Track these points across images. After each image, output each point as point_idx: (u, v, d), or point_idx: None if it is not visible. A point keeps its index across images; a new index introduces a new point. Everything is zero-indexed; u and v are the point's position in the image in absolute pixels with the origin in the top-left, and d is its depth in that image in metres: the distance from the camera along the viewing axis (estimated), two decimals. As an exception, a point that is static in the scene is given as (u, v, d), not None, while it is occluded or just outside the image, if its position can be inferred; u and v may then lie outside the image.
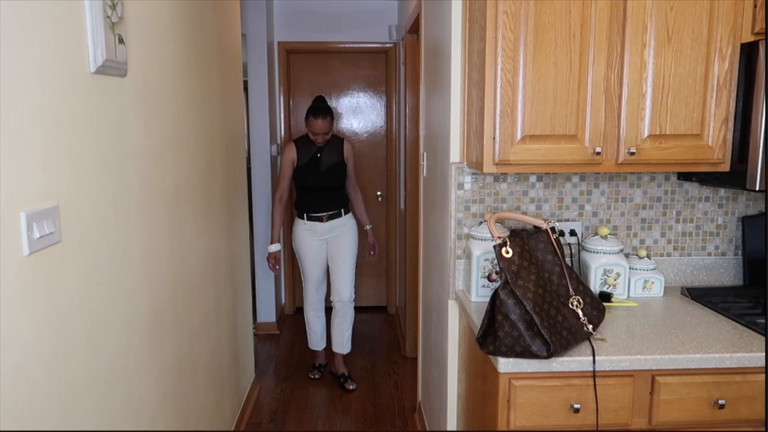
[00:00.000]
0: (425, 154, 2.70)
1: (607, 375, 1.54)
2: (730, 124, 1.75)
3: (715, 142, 1.75)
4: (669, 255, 2.15)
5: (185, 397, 2.01)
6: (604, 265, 1.97)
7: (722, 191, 2.13)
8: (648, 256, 2.04)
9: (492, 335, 1.54)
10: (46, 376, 1.12)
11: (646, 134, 1.73)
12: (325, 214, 3.37)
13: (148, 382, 1.66)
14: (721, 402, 1.55)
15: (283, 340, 4.23)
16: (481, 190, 2.07)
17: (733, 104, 1.73)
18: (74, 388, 1.23)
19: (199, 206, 2.19)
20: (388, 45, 4.46)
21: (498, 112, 1.69)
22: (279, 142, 4.50)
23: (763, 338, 1.63)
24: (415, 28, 3.29)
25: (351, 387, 3.45)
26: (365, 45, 4.47)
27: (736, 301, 1.92)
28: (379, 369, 3.73)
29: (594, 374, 1.52)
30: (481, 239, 1.94)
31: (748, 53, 1.69)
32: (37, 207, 1.08)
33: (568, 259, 1.95)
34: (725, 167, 1.77)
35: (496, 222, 1.71)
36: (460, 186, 2.06)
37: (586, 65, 1.69)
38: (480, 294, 1.95)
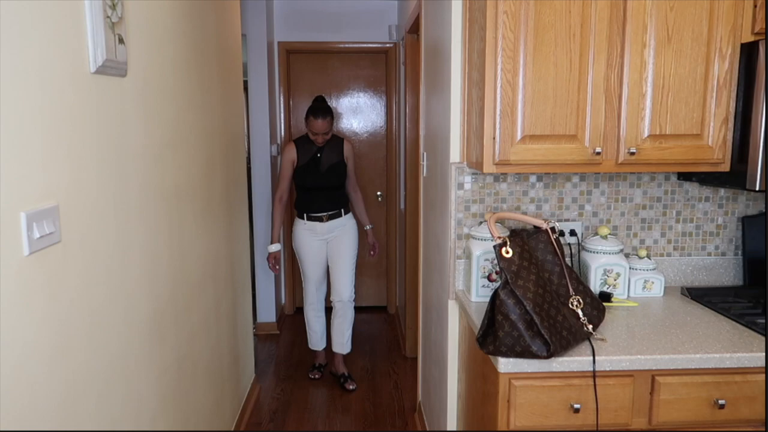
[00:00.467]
0: (425, 154, 2.70)
1: (607, 375, 1.54)
2: (730, 124, 1.75)
3: (715, 142, 1.75)
4: (669, 255, 2.15)
5: (185, 397, 2.01)
6: (604, 265, 1.97)
7: (722, 191, 2.13)
8: (648, 256, 2.04)
9: (492, 335, 1.54)
10: (46, 376, 1.12)
11: (646, 134, 1.73)
12: (325, 214, 3.37)
13: (148, 382, 1.66)
14: (721, 402, 1.55)
15: (283, 340, 4.23)
16: (481, 190, 2.07)
17: (733, 104, 1.73)
18: (74, 388, 1.23)
19: (199, 206, 2.19)
20: (388, 45, 4.46)
21: (498, 112, 1.69)
22: (279, 142, 4.50)
23: (763, 338, 1.63)
24: (415, 28, 3.29)
25: (351, 387, 3.44)
26: (365, 45, 4.47)
27: (736, 301, 1.92)
28: (379, 369, 3.73)
29: (594, 374, 1.52)
30: (481, 239, 1.94)
31: (748, 53, 1.69)
32: (37, 207, 1.08)
33: (568, 259, 1.95)
34: (725, 167, 1.77)
35: (496, 222, 1.71)
36: (460, 186, 2.06)
37: (586, 65, 1.69)
38: (480, 294, 1.95)
